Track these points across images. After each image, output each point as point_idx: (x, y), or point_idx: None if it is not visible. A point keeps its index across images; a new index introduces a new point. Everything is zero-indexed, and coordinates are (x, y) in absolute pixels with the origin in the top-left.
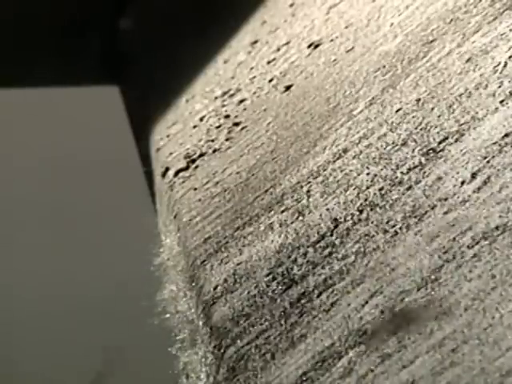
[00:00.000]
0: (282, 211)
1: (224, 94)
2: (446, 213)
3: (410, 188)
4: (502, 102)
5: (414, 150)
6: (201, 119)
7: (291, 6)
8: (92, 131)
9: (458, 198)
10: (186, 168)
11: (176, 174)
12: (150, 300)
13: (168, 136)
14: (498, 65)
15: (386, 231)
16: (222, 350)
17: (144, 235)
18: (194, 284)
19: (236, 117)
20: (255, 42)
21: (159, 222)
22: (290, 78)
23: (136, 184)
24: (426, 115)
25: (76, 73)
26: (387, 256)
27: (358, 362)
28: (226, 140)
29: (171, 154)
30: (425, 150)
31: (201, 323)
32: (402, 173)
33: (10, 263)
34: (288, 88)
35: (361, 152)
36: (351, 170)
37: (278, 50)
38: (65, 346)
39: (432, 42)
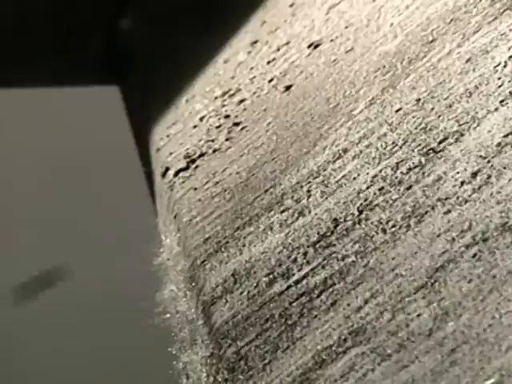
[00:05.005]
0: (282, 211)
1: (224, 94)
2: (446, 213)
3: (409, 188)
4: (501, 102)
5: (414, 150)
6: (201, 119)
7: (291, 6)
8: (92, 131)
9: (458, 198)
10: (186, 168)
11: (176, 174)
12: (150, 300)
13: (168, 136)
14: (498, 65)
15: (385, 231)
16: (222, 350)
17: (144, 235)
18: (194, 284)
19: (236, 117)
20: (255, 42)
21: (159, 222)
22: (290, 78)
23: (136, 184)
24: (425, 115)
25: (76, 73)
26: (387, 256)
27: (357, 361)
28: (226, 140)
29: (171, 153)
30: (425, 150)
31: (201, 323)
32: (402, 173)
33: (9, 263)
34: (288, 88)
35: (361, 152)
36: (351, 170)
37: (278, 49)
38: (64, 345)
39: (432, 41)
